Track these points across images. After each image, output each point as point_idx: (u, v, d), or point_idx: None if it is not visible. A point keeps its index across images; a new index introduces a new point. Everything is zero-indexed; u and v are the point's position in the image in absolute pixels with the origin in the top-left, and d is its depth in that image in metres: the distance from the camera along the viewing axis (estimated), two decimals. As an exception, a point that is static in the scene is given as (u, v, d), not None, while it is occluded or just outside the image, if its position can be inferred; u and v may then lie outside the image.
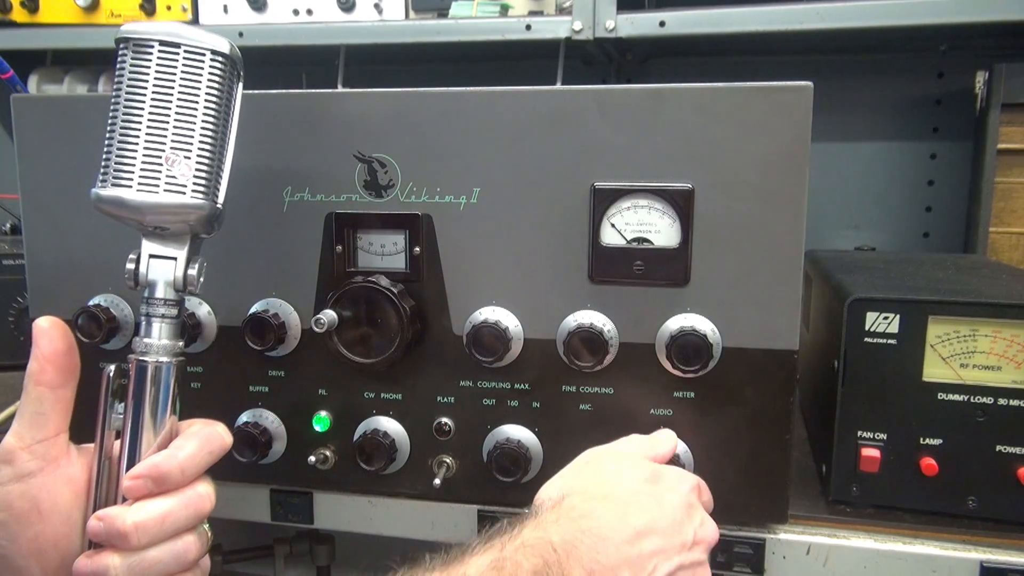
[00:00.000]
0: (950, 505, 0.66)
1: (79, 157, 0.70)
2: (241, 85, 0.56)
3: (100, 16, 1.22)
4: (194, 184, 0.51)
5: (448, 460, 0.69)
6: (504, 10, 1.12)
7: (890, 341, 0.65)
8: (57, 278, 0.73)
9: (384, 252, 0.67)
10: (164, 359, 0.52)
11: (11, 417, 0.87)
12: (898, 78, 1.28)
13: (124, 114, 0.50)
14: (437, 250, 0.66)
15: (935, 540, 0.65)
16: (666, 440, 0.63)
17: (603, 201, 0.63)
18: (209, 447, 0.53)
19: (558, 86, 0.89)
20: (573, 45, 1.10)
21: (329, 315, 0.64)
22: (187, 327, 0.68)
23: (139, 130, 0.50)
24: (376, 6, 1.15)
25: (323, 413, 0.71)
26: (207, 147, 0.52)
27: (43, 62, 1.32)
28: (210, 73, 0.52)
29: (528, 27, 1.07)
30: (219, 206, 0.54)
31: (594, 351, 0.63)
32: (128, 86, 0.50)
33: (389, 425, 0.70)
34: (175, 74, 0.51)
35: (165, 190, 0.50)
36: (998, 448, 0.64)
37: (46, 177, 0.71)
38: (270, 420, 0.71)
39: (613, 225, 0.63)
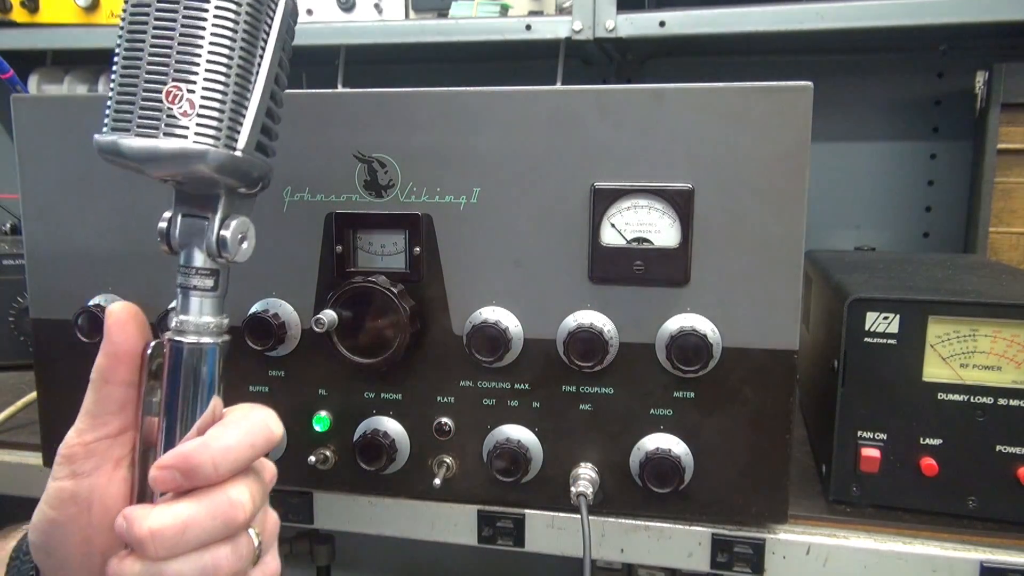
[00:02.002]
0: (950, 505, 0.66)
1: (79, 157, 0.70)
2: (285, 5, 0.44)
3: (100, 16, 1.22)
4: (198, 124, 0.40)
5: (448, 460, 0.69)
6: (504, 10, 1.12)
7: (890, 341, 0.65)
8: (57, 278, 0.73)
9: (384, 252, 0.67)
10: (206, 340, 0.44)
11: (11, 418, 0.88)
12: (898, 78, 1.28)
13: (127, 44, 0.41)
14: (437, 250, 0.66)
15: (935, 540, 0.65)
16: None
17: (603, 201, 0.63)
18: (251, 439, 0.43)
19: (558, 86, 0.88)
20: (573, 45, 1.09)
21: (329, 315, 0.64)
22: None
23: (140, 60, 0.40)
24: (376, 6, 1.15)
25: (323, 413, 0.71)
26: (217, 76, 0.40)
27: (43, 62, 1.32)
28: None
29: (528, 27, 1.07)
30: (238, 153, 0.42)
31: (594, 351, 0.63)
32: (132, 9, 0.41)
33: (389, 425, 0.70)
34: None
35: (165, 134, 0.40)
36: (998, 448, 0.64)
37: (46, 177, 0.71)
38: (270, 420, 0.71)
39: (613, 225, 0.63)
